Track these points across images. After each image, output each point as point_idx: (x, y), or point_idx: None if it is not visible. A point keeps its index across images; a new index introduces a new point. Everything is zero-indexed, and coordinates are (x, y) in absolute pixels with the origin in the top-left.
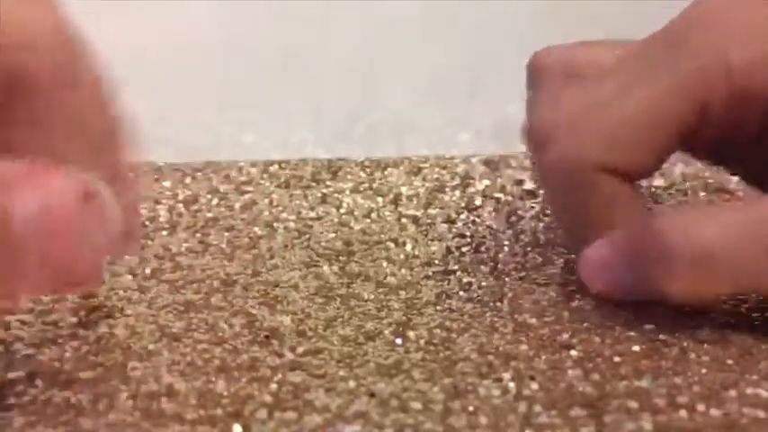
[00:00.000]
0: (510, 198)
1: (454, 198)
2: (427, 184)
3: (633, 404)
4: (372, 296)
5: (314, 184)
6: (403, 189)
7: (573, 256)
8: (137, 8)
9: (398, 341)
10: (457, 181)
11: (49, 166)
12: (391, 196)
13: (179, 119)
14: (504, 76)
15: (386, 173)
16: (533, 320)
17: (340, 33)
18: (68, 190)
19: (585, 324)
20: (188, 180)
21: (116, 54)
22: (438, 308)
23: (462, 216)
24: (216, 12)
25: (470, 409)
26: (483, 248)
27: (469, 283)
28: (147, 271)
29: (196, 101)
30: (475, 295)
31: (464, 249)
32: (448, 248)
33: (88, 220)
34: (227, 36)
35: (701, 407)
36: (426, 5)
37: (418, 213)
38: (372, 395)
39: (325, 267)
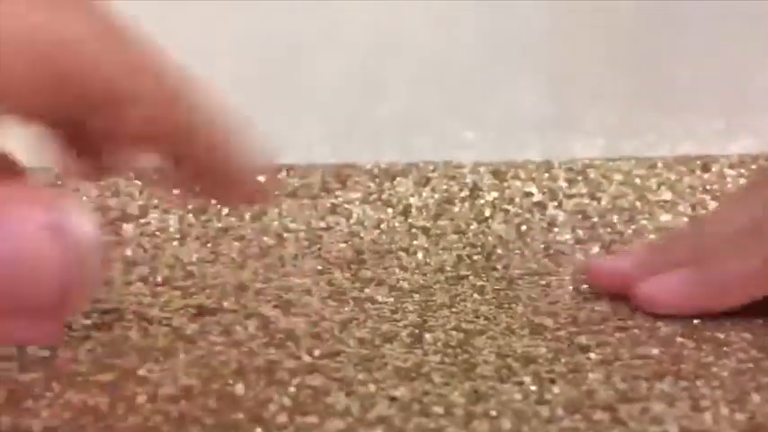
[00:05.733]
0: (519, 210)
1: (464, 210)
2: (436, 195)
3: (656, 408)
4: (386, 299)
5: (323, 193)
6: (412, 200)
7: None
8: (142, 8)
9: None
10: (466, 192)
11: (16, 193)
12: (401, 207)
13: None
14: (512, 78)
15: (394, 183)
16: (550, 322)
17: (345, 33)
18: (31, 220)
19: (602, 326)
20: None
21: None
22: (453, 310)
23: (472, 227)
24: (219, 14)
25: (493, 413)
26: (494, 257)
27: (483, 287)
28: (159, 279)
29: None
30: (489, 297)
31: (475, 258)
32: (459, 257)
33: (52, 255)
34: (231, 37)
35: (724, 411)
36: (432, 6)
37: (428, 224)
38: (393, 399)
39: (337, 274)
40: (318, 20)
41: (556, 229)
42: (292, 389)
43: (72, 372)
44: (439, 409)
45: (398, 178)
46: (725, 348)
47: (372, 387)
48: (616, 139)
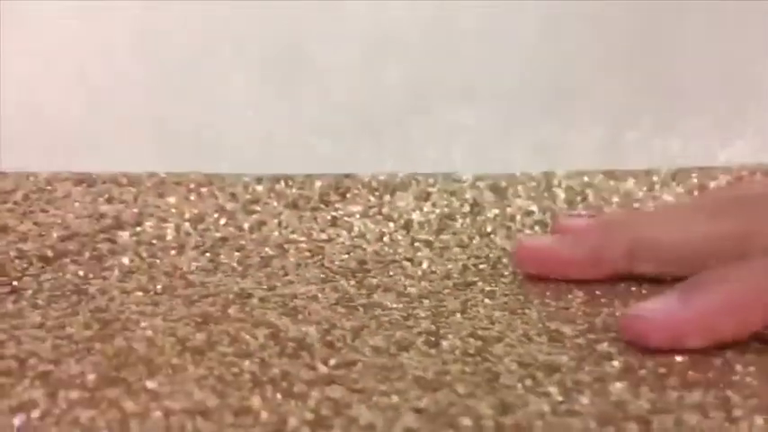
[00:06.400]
0: (521, 227)
1: (465, 225)
2: (437, 210)
3: (691, 419)
4: (396, 305)
5: (323, 206)
6: (414, 215)
7: None
8: (143, 8)
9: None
10: (466, 208)
11: None
12: (402, 222)
13: (182, 127)
14: (510, 86)
15: (395, 197)
16: (567, 329)
17: (347, 33)
18: None
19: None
20: (193, 197)
21: (121, 57)
22: (466, 316)
23: (475, 241)
24: (219, 16)
25: (523, 425)
26: (500, 266)
27: (493, 292)
28: (159, 287)
29: (198, 108)
30: (500, 302)
31: (481, 267)
32: (465, 266)
33: None
34: (230, 42)
35: (759, 420)
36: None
37: (431, 238)
38: (418, 411)
39: (343, 282)
40: (319, 20)
41: None
42: (312, 402)
43: (78, 387)
44: (467, 421)
45: (398, 192)
46: (748, 355)
47: (395, 398)
48: (617, 139)
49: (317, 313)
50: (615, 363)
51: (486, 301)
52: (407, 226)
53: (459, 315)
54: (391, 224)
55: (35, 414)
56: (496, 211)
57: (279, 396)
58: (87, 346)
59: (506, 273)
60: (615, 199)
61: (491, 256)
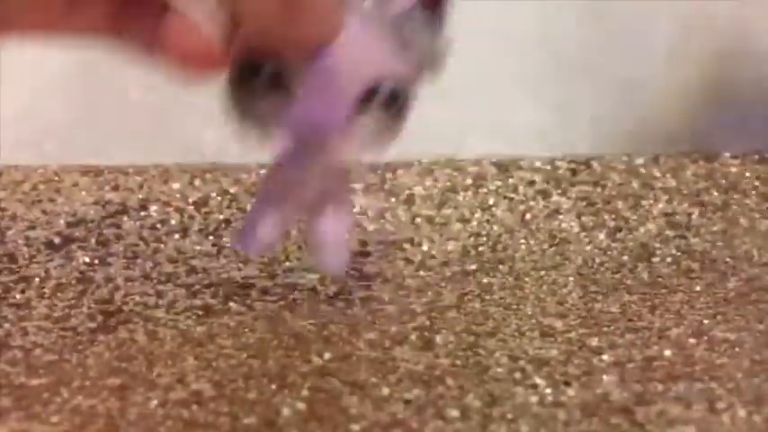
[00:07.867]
0: (523, 198)
1: (467, 198)
2: (439, 185)
3: (674, 410)
4: (393, 299)
5: None
6: (416, 190)
7: (592, 254)
8: None
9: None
10: (469, 181)
11: None
12: (404, 197)
13: (185, 118)
14: (514, 78)
15: (397, 174)
16: (559, 324)
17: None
18: None
19: (612, 327)
20: (197, 182)
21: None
22: (461, 311)
23: (476, 215)
24: None
25: (509, 416)
26: (500, 247)
27: (490, 285)
28: (162, 275)
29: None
30: (497, 297)
31: (480, 249)
32: (464, 248)
33: None
34: None
35: (742, 412)
36: None
37: (432, 213)
38: (408, 402)
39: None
40: None
41: (560, 216)
42: (305, 392)
43: (80, 376)
44: (455, 413)
45: (400, 170)
46: (737, 349)
47: (386, 390)
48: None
49: (315, 308)
50: (605, 357)
51: (483, 295)
52: (409, 201)
53: (454, 311)
54: (393, 199)
55: (39, 402)
56: (499, 182)
57: (274, 387)
58: (91, 338)
59: (504, 257)
60: (621, 166)
61: (492, 233)
